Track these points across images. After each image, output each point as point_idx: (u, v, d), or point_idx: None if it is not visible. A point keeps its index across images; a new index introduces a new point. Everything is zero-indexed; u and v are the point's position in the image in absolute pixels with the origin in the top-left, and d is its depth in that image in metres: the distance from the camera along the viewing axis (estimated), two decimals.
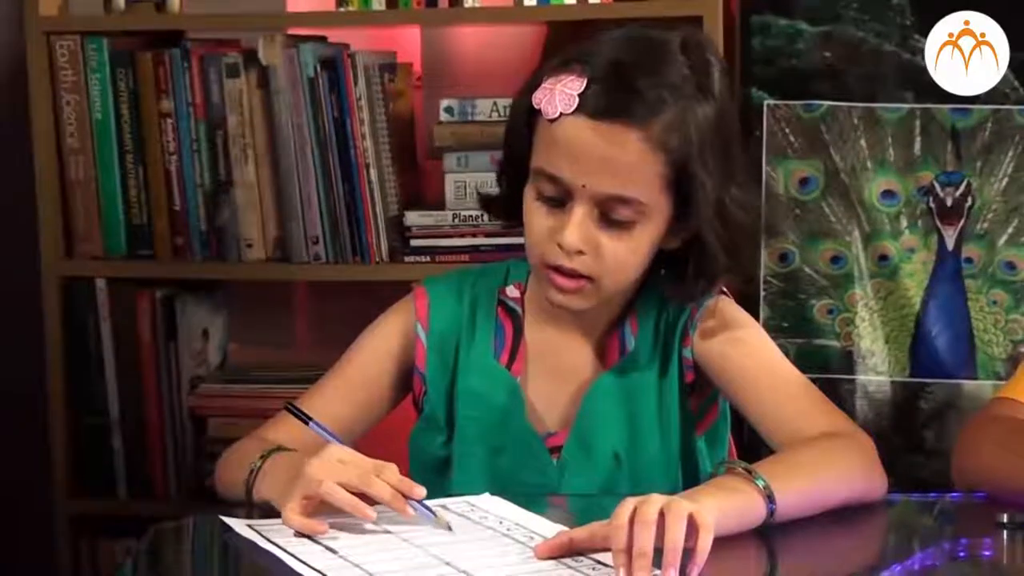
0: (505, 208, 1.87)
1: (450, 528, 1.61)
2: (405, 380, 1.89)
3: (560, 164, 1.72)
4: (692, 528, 1.45)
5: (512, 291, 1.89)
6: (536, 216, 1.76)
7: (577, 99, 1.70)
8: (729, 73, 1.80)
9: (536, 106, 1.73)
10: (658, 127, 1.70)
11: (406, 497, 1.60)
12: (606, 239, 1.73)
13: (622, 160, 1.70)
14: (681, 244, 1.78)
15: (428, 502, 1.67)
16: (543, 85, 1.73)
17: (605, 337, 1.85)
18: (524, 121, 1.77)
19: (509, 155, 1.83)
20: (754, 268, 2.55)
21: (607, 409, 1.82)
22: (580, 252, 1.73)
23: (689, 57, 1.74)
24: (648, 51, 1.73)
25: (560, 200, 1.74)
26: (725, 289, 1.87)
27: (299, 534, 1.58)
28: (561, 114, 1.71)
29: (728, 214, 1.75)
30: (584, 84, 1.70)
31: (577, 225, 1.72)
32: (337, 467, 1.60)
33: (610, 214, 1.72)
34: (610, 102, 1.69)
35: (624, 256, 1.74)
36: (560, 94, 1.71)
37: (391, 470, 1.62)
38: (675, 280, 1.81)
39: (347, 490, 1.59)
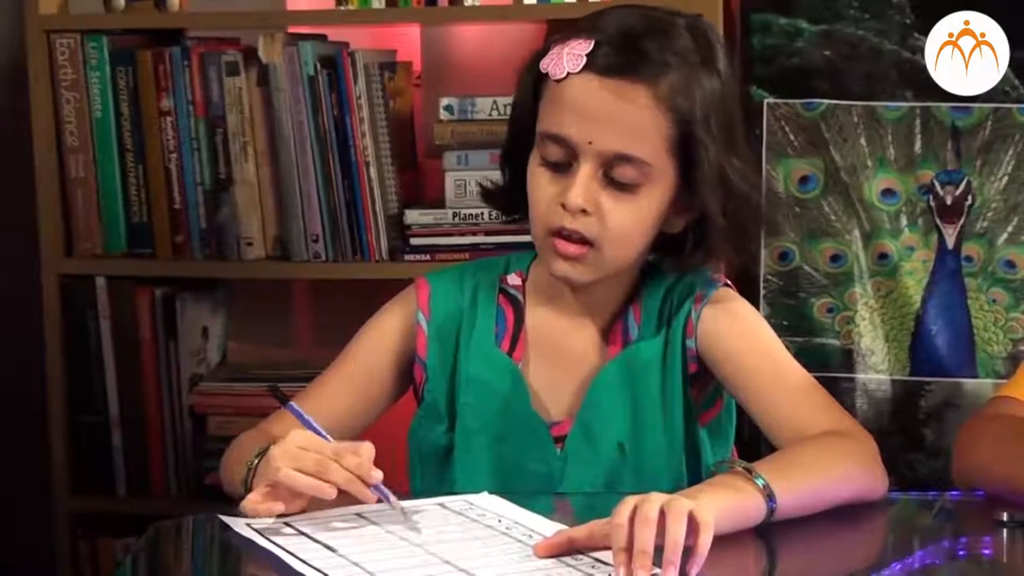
0: (506, 199, 1.87)
1: (404, 514, 1.60)
2: (407, 371, 1.89)
3: (567, 122, 1.73)
4: (692, 526, 1.45)
5: (513, 279, 1.89)
6: (540, 182, 1.76)
7: (585, 59, 1.72)
8: (732, 60, 1.82)
9: (543, 70, 1.75)
10: (665, 86, 1.72)
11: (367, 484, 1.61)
12: (610, 201, 1.73)
13: (629, 117, 1.71)
14: (684, 227, 1.79)
15: (423, 500, 1.68)
16: (550, 52, 1.75)
17: (608, 325, 1.85)
18: (530, 90, 1.79)
19: (514, 131, 1.83)
20: (755, 252, 2.54)
21: (611, 399, 1.82)
22: (584, 212, 1.73)
23: (694, 36, 1.76)
24: (654, 22, 1.76)
25: (565, 165, 1.74)
26: (728, 282, 1.87)
27: (299, 532, 1.58)
28: (568, 74, 1.72)
29: (730, 182, 1.76)
30: (592, 45, 1.72)
31: (582, 184, 1.73)
32: (296, 453, 1.61)
33: (615, 175, 1.73)
34: (619, 60, 1.72)
35: (627, 221, 1.75)
36: (568, 55, 1.73)
37: (353, 453, 1.61)
38: (675, 255, 1.81)
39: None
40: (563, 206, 1.73)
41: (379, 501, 1.63)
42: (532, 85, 1.78)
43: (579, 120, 1.72)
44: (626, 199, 1.74)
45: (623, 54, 1.72)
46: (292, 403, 1.74)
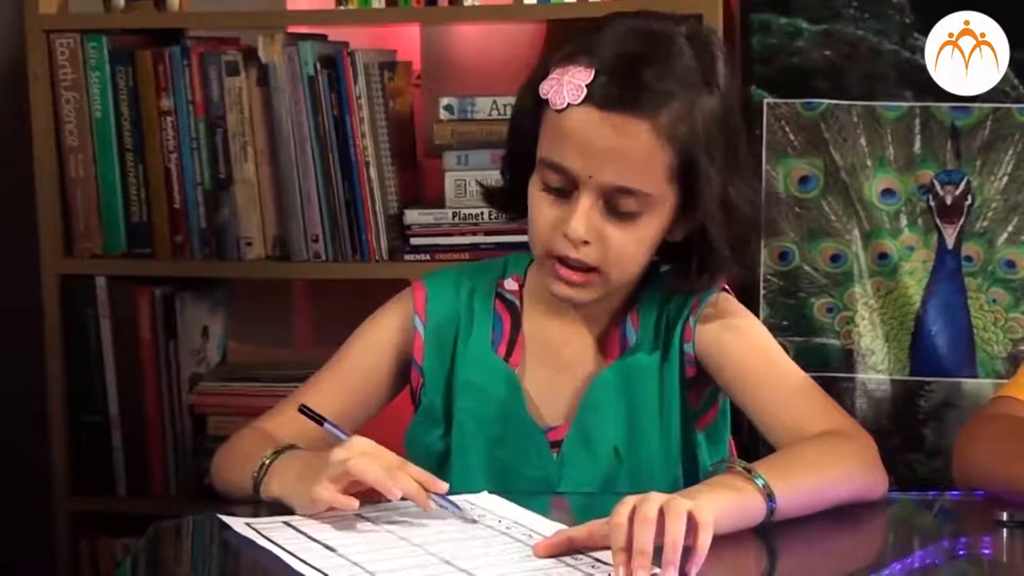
0: (508, 200, 1.87)
1: (475, 521, 1.61)
2: (402, 373, 1.89)
3: (567, 155, 1.72)
4: (691, 526, 1.45)
5: (510, 284, 1.89)
6: (541, 207, 1.76)
7: (585, 90, 1.70)
8: (733, 66, 1.81)
9: (543, 96, 1.74)
10: (665, 118, 1.70)
11: (428, 491, 1.62)
12: (612, 230, 1.73)
13: (630, 151, 1.70)
14: (685, 236, 1.79)
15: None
16: (550, 76, 1.74)
17: (606, 331, 1.85)
18: (530, 111, 1.78)
19: (514, 146, 1.83)
20: (755, 262, 2.54)
21: (608, 404, 1.82)
22: (586, 243, 1.73)
23: (695, 49, 1.74)
24: (654, 43, 1.74)
25: (566, 191, 1.74)
26: (726, 285, 1.87)
27: (299, 532, 1.58)
28: (569, 104, 1.71)
29: (732, 206, 1.75)
30: (592, 75, 1.71)
31: (583, 215, 1.72)
32: (365, 455, 1.62)
33: (616, 205, 1.73)
34: (619, 92, 1.70)
35: (630, 248, 1.75)
36: (568, 85, 1.71)
37: (412, 466, 1.63)
38: (678, 274, 1.81)
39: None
40: (565, 235, 1.73)
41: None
42: (532, 106, 1.77)
43: (580, 153, 1.71)
44: (627, 226, 1.74)
45: (623, 86, 1.70)
46: (329, 422, 1.73)
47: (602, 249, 1.74)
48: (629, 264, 1.77)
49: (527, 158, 1.78)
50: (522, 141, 1.79)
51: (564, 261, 1.75)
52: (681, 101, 1.71)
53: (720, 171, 1.74)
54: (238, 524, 1.62)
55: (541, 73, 1.76)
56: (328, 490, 1.61)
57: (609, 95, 1.70)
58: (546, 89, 1.73)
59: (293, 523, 1.61)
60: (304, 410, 1.75)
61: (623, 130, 1.70)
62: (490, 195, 1.92)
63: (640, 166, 1.71)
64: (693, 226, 1.77)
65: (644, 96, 1.70)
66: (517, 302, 1.88)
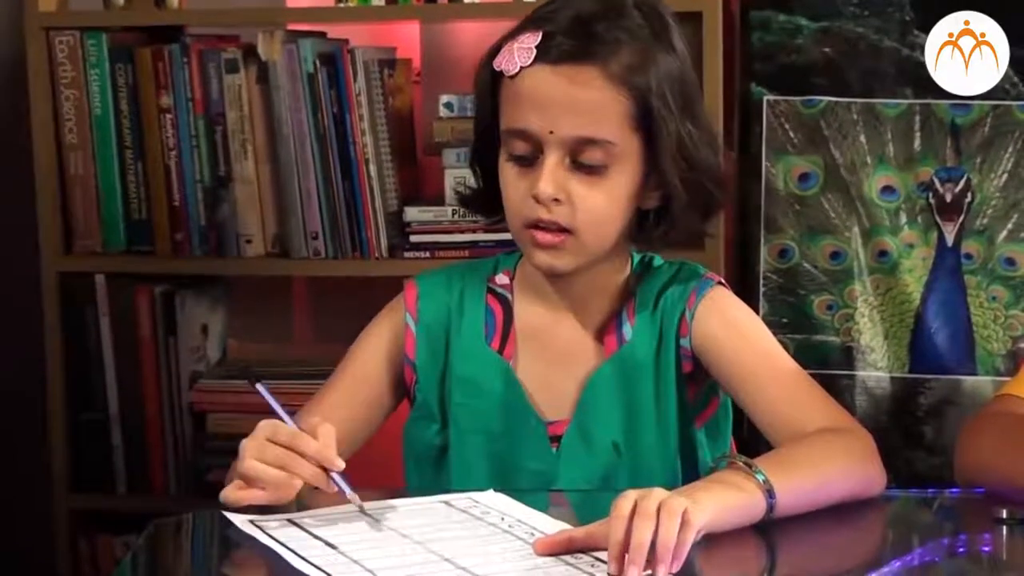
0: (484, 201, 1.88)
1: (362, 509, 1.62)
2: (402, 377, 1.89)
3: (526, 116, 1.74)
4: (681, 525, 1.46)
5: (501, 278, 1.90)
6: (511, 179, 1.77)
7: (535, 51, 1.73)
8: (682, 31, 1.82)
9: (497, 68, 1.76)
10: (617, 65, 1.72)
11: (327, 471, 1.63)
12: (580, 187, 1.74)
13: (585, 99, 1.72)
14: (659, 203, 1.79)
15: (428, 498, 1.68)
16: (502, 49, 1.76)
17: (602, 325, 1.85)
18: (488, 90, 1.80)
19: (479, 132, 1.85)
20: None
21: (607, 399, 1.82)
22: (556, 201, 1.74)
23: (645, 13, 1.77)
24: (604, 5, 1.76)
25: (532, 157, 1.75)
26: (723, 280, 1.87)
27: (301, 529, 1.58)
28: (521, 68, 1.73)
29: (689, 151, 1.76)
30: (539, 37, 1.74)
31: (550, 173, 1.74)
32: (262, 445, 1.64)
33: (582, 160, 1.74)
34: (568, 47, 1.73)
35: (600, 204, 1.75)
36: (518, 50, 1.74)
37: (307, 441, 1.62)
38: (640, 230, 1.82)
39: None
40: (535, 199, 1.74)
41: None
42: (489, 85, 1.79)
43: (537, 111, 1.73)
44: (596, 182, 1.75)
45: (572, 40, 1.73)
46: (262, 384, 1.75)
47: (572, 207, 1.74)
48: (602, 224, 1.77)
49: (494, 146, 1.80)
50: (486, 124, 1.81)
51: (539, 225, 1.75)
52: (632, 50, 1.73)
53: (677, 119, 1.75)
54: (240, 521, 1.62)
55: (493, 52, 1.78)
56: (233, 492, 1.64)
57: (560, 50, 1.73)
58: (499, 61, 1.76)
59: (295, 520, 1.61)
60: (248, 377, 1.78)
61: (575, 79, 1.72)
62: (466, 201, 1.93)
63: (597, 113, 1.73)
64: (666, 190, 1.78)
65: (594, 45, 1.73)
66: (508, 295, 1.88)
